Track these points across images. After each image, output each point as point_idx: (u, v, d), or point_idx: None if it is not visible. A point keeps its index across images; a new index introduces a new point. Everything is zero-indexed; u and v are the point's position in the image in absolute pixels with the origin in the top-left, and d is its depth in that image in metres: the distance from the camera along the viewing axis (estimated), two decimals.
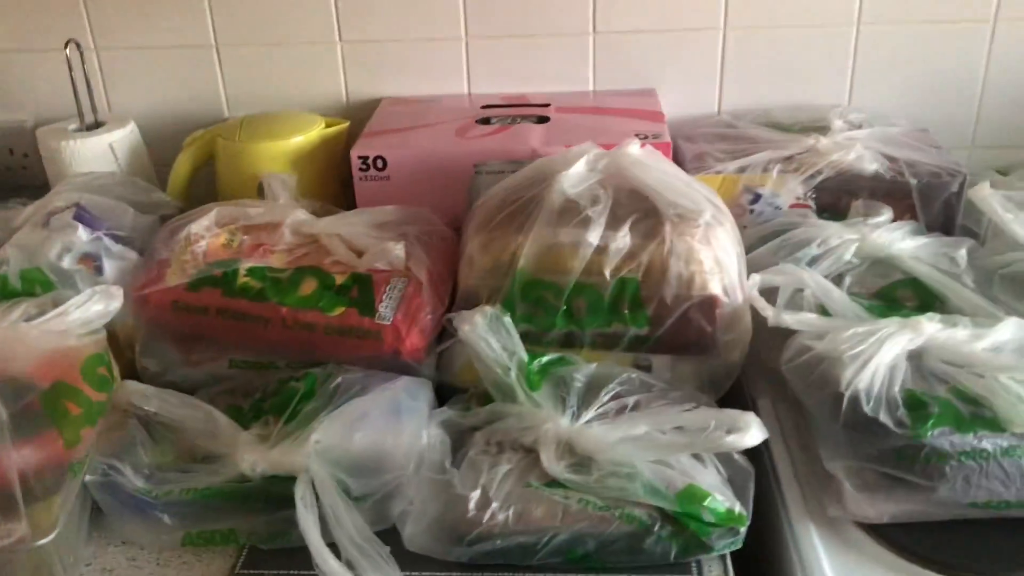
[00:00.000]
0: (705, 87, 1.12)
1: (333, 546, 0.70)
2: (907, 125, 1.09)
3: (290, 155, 1.04)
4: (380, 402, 0.81)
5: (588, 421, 0.78)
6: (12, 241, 0.92)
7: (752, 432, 0.70)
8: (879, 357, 0.77)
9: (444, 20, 1.10)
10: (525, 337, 0.85)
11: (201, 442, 0.80)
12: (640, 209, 0.85)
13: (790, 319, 0.84)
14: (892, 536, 0.76)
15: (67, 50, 1.06)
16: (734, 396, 0.89)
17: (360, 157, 0.99)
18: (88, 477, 0.76)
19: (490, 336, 0.82)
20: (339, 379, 0.83)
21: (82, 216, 0.92)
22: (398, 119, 1.08)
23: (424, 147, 1.00)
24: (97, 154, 1.08)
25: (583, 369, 0.83)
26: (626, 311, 0.85)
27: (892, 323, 0.80)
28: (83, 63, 1.09)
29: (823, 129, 1.05)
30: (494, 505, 0.72)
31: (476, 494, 0.73)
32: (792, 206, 1.02)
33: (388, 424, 0.79)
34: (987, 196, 0.92)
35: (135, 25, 1.14)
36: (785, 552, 0.77)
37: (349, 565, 0.69)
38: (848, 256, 0.93)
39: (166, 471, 0.79)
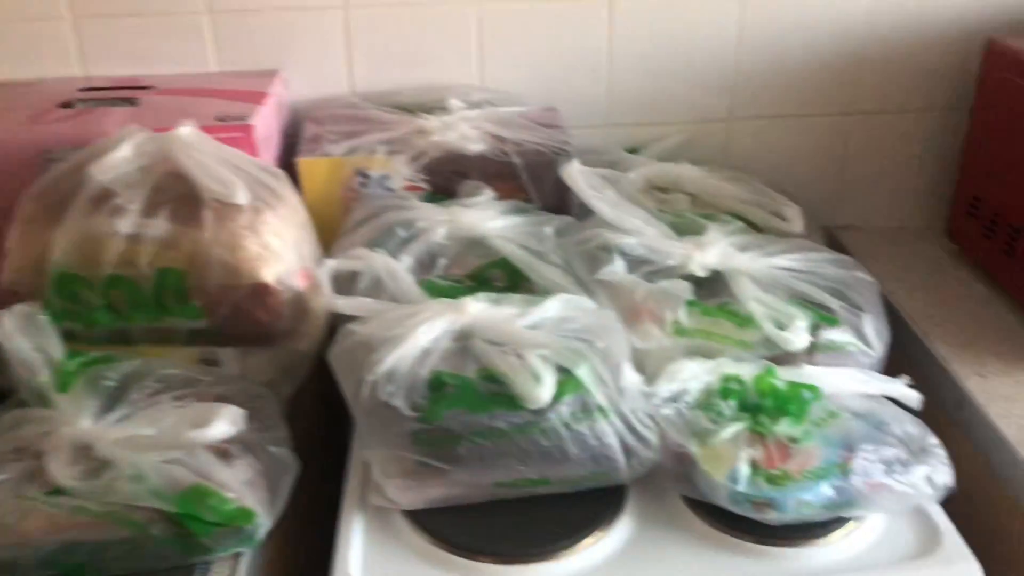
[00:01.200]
0: (333, 67, 1.09)
1: None
2: (534, 105, 1.08)
3: None
4: None
5: (112, 422, 0.74)
6: None
7: (217, 425, 0.67)
8: (413, 340, 0.75)
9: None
10: (70, 336, 0.79)
11: None
12: (182, 195, 0.80)
13: (342, 303, 0.81)
14: (428, 523, 0.75)
15: None
16: None
17: None
18: None
19: (20, 337, 0.76)
20: None
21: None
22: None
23: None
24: None
25: (120, 367, 0.78)
26: (173, 303, 0.80)
27: (435, 305, 0.79)
28: None
29: (443, 110, 1.03)
30: None
31: None
32: (406, 188, 1.00)
33: None
34: (574, 174, 0.93)
35: None
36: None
37: None
38: (439, 237, 0.91)
39: None
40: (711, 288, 0.88)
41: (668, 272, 0.88)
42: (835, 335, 0.83)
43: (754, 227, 0.98)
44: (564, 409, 0.73)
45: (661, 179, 1.06)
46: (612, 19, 1.09)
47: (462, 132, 0.98)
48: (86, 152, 0.82)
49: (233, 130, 0.91)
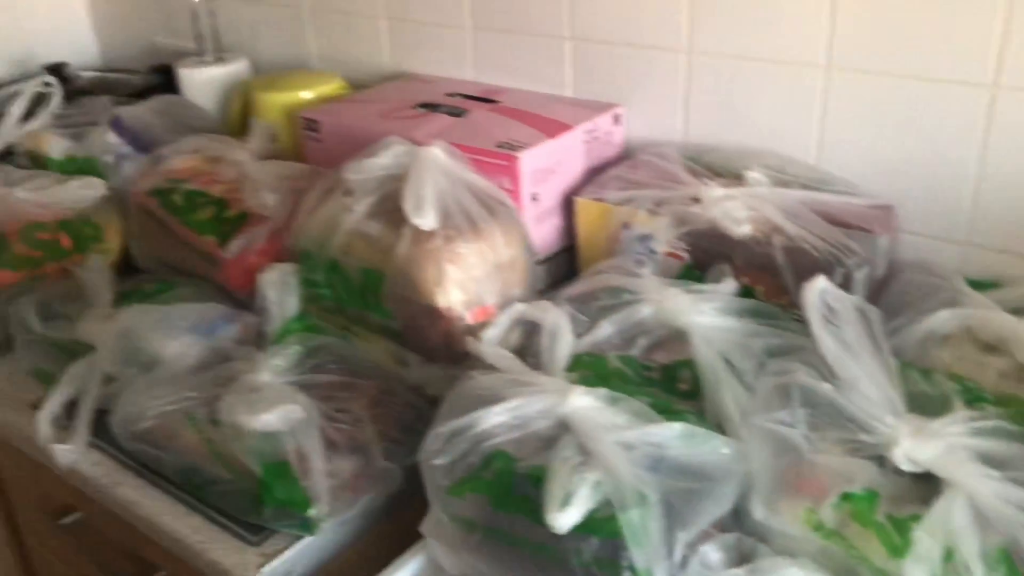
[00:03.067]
0: (669, 110, 1.02)
1: None
2: (865, 197, 0.89)
3: (288, 108, 1.21)
4: (182, 313, 0.97)
5: (286, 382, 0.86)
6: (89, 136, 1.25)
7: (265, 418, 0.73)
8: (501, 406, 0.72)
9: (454, 6, 1.16)
10: (311, 301, 0.93)
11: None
12: (400, 207, 0.87)
13: (487, 350, 0.80)
14: None
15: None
16: None
17: (305, 118, 1.12)
18: (9, 308, 1.05)
19: (272, 290, 0.92)
20: (176, 291, 1.01)
21: (117, 125, 1.20)
22: (375, 93, 1.18)
23: (351, 119, 1.09)
24: (203, 84, 1.36)
25: (318, 338, 0.89)
26: (372, 300, 0.88)
27: (549, 383, 0.73)
28: (212, 12, 1.37)
29: (740, 178, 0.92)
30: (147, 415, 0.85)
31: (140, 401, 0.86)
32: (667, 254, 0.92)
33: (171, 330, 0.95)
34: (811, 291, 0.75)
35: None
36: None
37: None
38: (643, 315, 0.83)
39: (60, 322, 1.04)
40: (922, 491, 0.66)
41: (862, 449, 0.68)
42: None
43: None
44: (586, 549, 0.63)
45: (989, 333, 0.80)
46: (993, 112, 0.83)
47: (729, 210, 0.86)
48: (364, 152, 0.94)
49: (501, 158, 0.94)
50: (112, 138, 1.20)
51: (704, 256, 0.90)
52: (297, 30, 1.37)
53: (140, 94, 1.46)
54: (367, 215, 0.88)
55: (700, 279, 0.88)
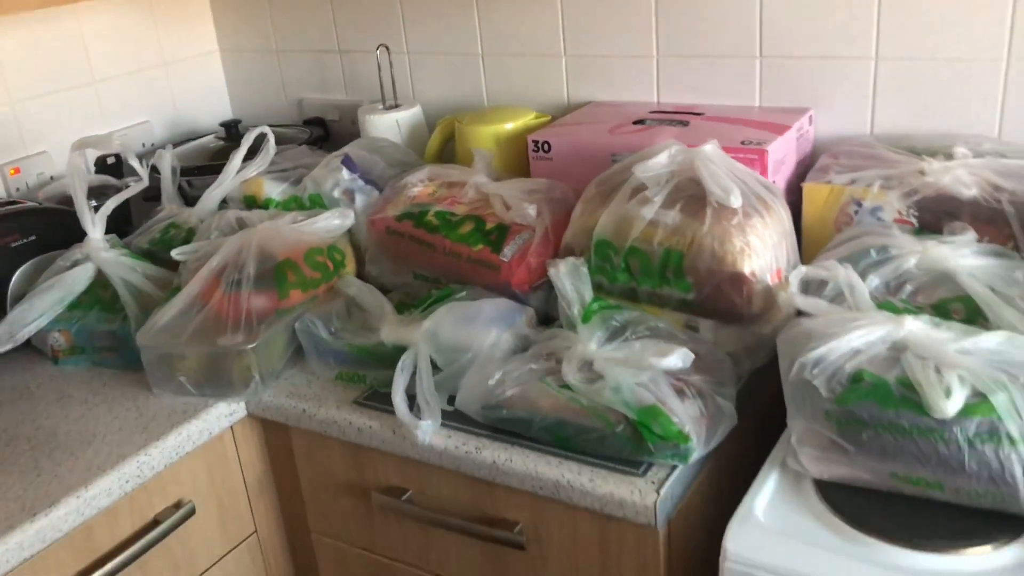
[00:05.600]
0: (858, 109, 1.23)
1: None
2: None
3: (497, 137, 1.38)
4: (479, 310, 1.11)
5: (610, 349, 1.01)
6: (309, 175, 1.38)
7: (671, 357, 0.89)
8: (847, 338, 0.89)
9: (641, 41, 1.35)
10: (599, 287, 1.09)
11: (372, 320, 1.17)
12: (693, 195, 1.04)
13: (801, 301, 0.97)
14: (829, 493, 0.88)
15: (378, 52, 1.51)
16: None
17: (533, 141, 1.29)
18: (297, 325, 1.17)
19: (568, 280, 1.07)
20: (464, 292, 1.16)
21: (347, 163, 1.35)
22: (583, 117, 1.36)
23: (580, 138, 1.27)
24: (387, 126, 1.52)
25: (624, 315, 1.05)
26: (672, 277, 1.05)
27: (876, 315, 0.91)
28: (390, 63, 1.54)
29: (948, 156, 1.11)
30: (506, 385, 0.99)
31: (498, 374, 1.00)
32: (895, 220, 1.11)
33: (479, 324, 1.09)
34: None
35: (431, 36, 1.56)
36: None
37: (419, 409, 1.02)
38: (909, 265, 1.01)
39: (344, 332, 1.17)
40: None
41: None
42: None
43: None
44: (970, 426, 0.80)
45: None
46: None
47: (958, 176, 1.06)
48: (637, 156, 1.10)
49: (751, 152, 1.12)
50: (346, 174, 1.34)
51: (930, 218, 1.09)
52: (470, 73, 1.54)
53: (312, 142, 1.61)
54: (662, 206, 1.04)
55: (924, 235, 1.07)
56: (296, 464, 1.19)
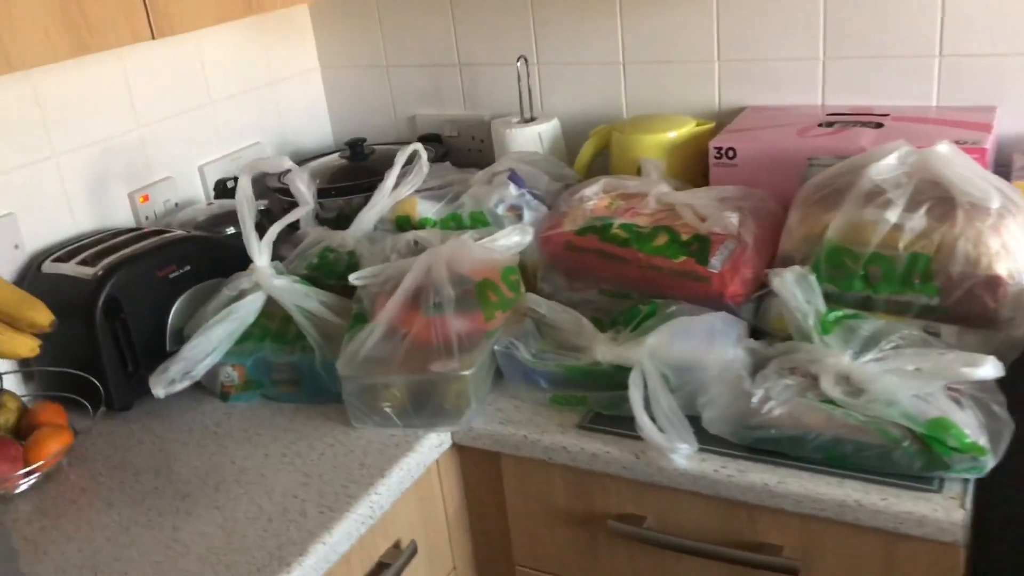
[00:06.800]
0: None
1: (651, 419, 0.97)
2: None
3: (663, 145, 1.34)
4: (701, 324, 1.07)
5: (866, 361, 0.97)
6: (468, 192, 1.33)
7: (986, 367, 0.85)
8: None
9: (806, 43, 1.33)
10: (827, 296, 1.05)
11: (570, 338, 1.12)
12: (937, 197, 1.01)
13: None
14: None
15: (518, 64, 1.47)
16: None
17: (716, 147, 1.25)
18: (496, 347, 1.12)
19: (796, 289, 1.03)
20: (674, 307, 1.11)
21: (514, 178, 1.30)
22: (753, 121, 1.32)
23: (769, 142, 1.23)
24: (529, 140, 1.47)
25: (871, 323, 1.01)
26: (917, 281, 1.01)
27: None
28: (528, 74, 1.49)
29: None
30: (772, 403, 0.95)
31: (760, 392, 0.96)
32: None
33: (703, 339, 1.04)
34: None
35: (566, 46, 1.51)
36: None
37: (661, 431, 0.97)
38: None
39: (546, 353, 1.12)
40: None
41: None
42: None
43: None
44: None
45: None
46: None
47: None
48: (859, 159, 1.07)
49: (971, 151, 1.09)
50: (513, 189, 1.29)
51: None
52: (608, 82, 1.50)
53: (433, 160, 1.56)
54: (905, 209, 1.01)
55: None
56: (505, 494, 1.13)
